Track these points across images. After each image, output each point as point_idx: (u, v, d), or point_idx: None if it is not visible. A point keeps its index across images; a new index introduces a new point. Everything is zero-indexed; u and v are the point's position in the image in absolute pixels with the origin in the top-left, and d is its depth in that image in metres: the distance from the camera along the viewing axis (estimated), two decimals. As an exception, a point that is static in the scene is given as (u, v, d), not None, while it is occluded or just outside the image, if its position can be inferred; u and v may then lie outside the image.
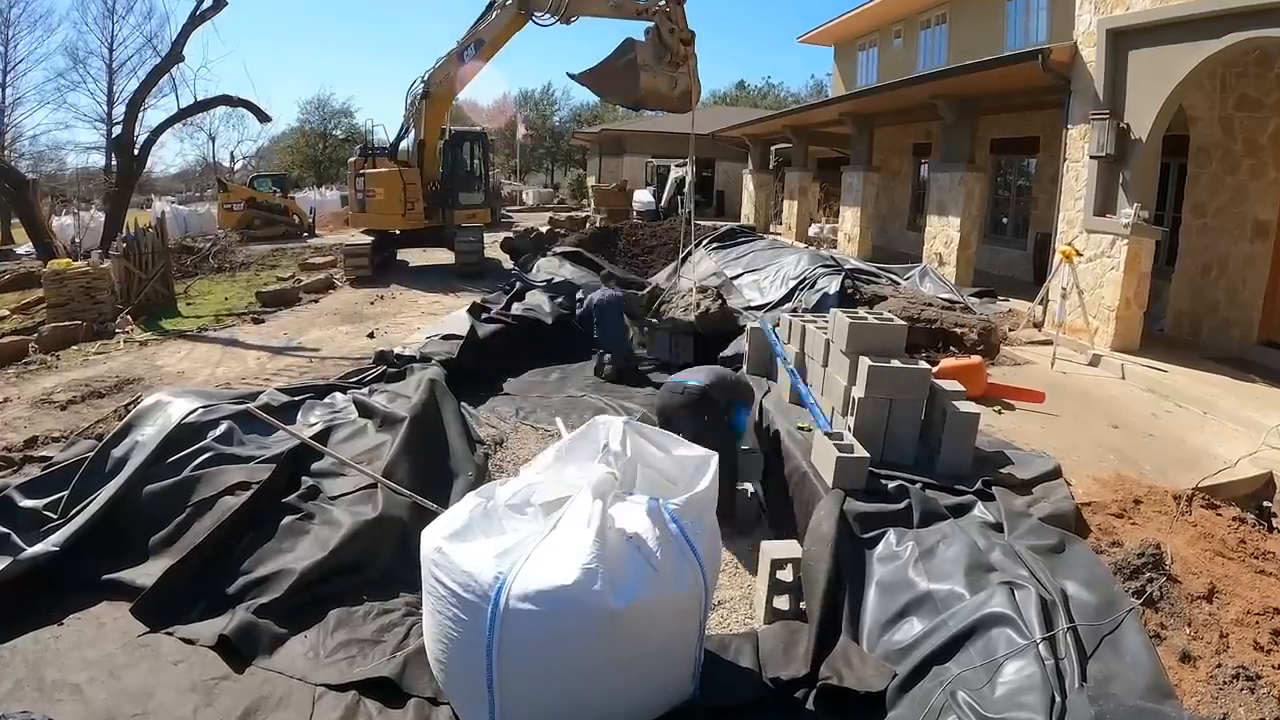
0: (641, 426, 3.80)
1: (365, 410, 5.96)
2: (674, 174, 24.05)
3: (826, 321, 5.94)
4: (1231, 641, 3.55)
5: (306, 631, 3.95)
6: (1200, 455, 5.37)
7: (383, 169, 14.95)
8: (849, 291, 9.86)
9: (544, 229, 20.34)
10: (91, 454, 5.09)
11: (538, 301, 10.54)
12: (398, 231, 15.65)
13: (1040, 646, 3.27)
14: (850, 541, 4.13)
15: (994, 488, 4.53)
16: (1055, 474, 4.75)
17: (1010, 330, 9.12)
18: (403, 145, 15.39)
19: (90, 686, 3.55)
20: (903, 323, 5.35)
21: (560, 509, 3.37)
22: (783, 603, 4.25)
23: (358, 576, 4.34)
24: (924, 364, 5.01)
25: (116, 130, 21.87)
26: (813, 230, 19.18)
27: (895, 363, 4.83)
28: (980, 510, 4.36)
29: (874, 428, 4.79)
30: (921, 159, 17.22)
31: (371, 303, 12.69)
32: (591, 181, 33.60)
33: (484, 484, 4.34)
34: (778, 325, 6.94)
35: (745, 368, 6.95)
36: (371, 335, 10.14)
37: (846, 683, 3.48)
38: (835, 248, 16.12)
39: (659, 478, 3.67)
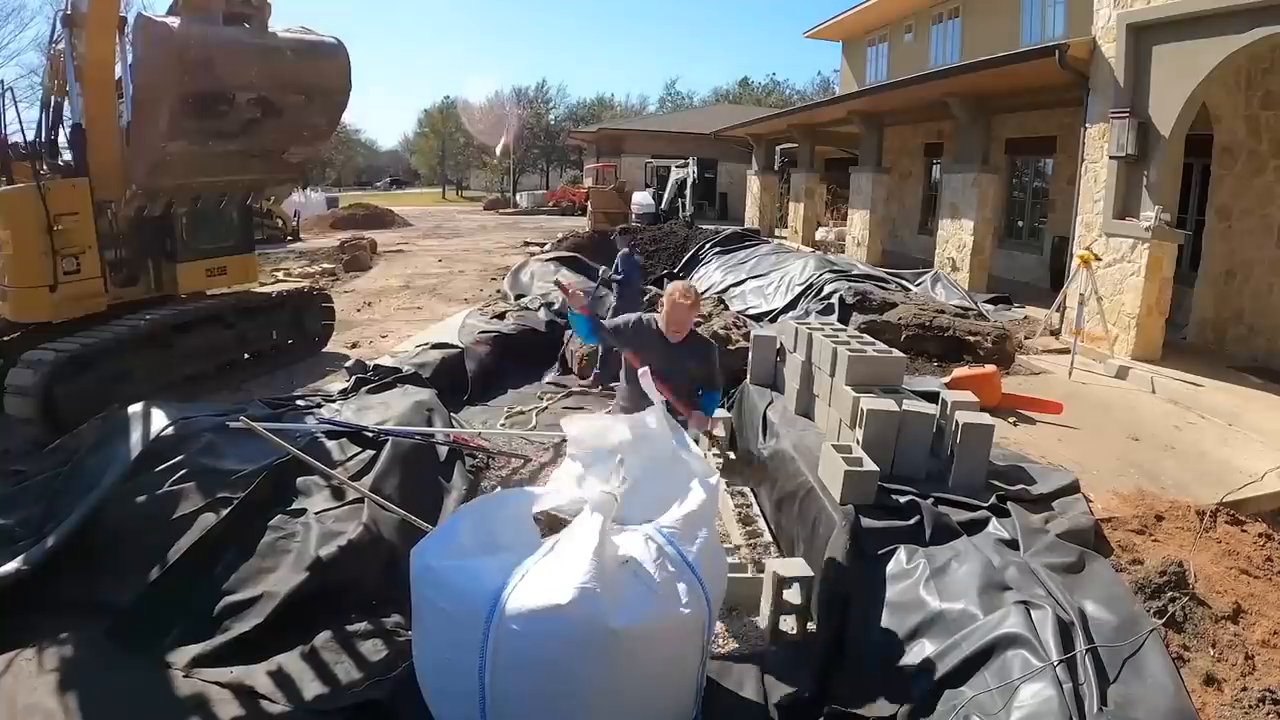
0: (639, 446, 3.83)
1: (350, 424, 5.97)
2: (674, 175, 24.10)
3: (835, 328, 5.97)
4: (1258, 663, 3.56)
5: (291, 654, 3.95)
6: (1224, 468, 5.39)
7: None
8: (857, 298, 9.90)
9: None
10: (65, 468, 5.10)
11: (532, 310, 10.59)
12: None
13: (1058, 669, 3.28)
14: (859, 559, 4.15)
15: (1009, 503, 4.54)
16: (1073, 488, 4.76)
17: (1026, 338, 9.16)
18: None
19: (63, 713, 3.55)
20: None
21: (557, 525, 3.41)
22: (789, 623, 4.27)
23: (344, 596, 4.34)
24: (930, 378, 5.04)
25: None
26: (819, 234, 19.25)
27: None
28: (995, 526, 4.37)
29: (883, 440, 4.80)
30: (933, 159, 17.30)
31: (358, 310, 12.74)
32: (588, 183, 33.71)
33: (476, 499, 4.36)
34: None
35: (749, 378, 6.97)
36: (355, 345, 10.17)
37: (855, 708, 3.49)
38: (843, 252, 16.18)
39: (656, 496, 3.69)
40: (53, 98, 8.31)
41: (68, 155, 8.12)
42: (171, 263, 8.68)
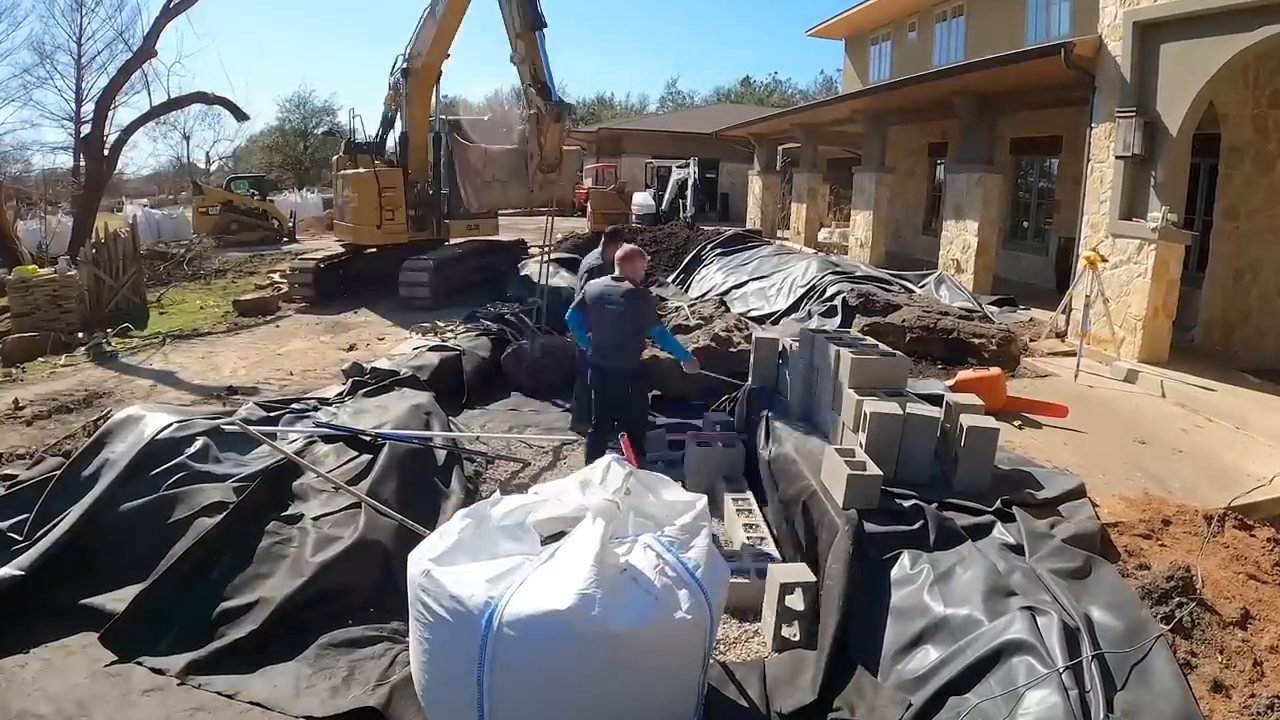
0: (639, 472, 3.87)
1: (347, 427, 5.97)
2: (675, 175, 24.10)
3: (838, 331, 5.97)
4: (1266, 670, 3.56)
5: (286, 661, 3.96)
6: (1233, 472, 5.38)
7: (361, 170, 13.98)
8: (860, 300, 9.90)
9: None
10: (59, 472, 5.10)
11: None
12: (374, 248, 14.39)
13: (1063, 676, 3.28)
14: (862, 565, 4.14)
15: (1014, 507, 4.54)
16: (1079, 493, 4.76)
17: (1031, 340, 9.16)
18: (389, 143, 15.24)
19: (58, 719, 3.55)
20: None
21: (556, 531, 3.41)
22: (791, 630, 4.27)
23: (340, 601, 4.35)
24: (934, 380, 5.04)
25: (85, 129, 21.98)
26: (822, 235, 19.26)
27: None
28: (999, 531, 4.37)
29: (887, 444, 4.80)
30: (937, 159, 17.32)
31: (355, 311, 12.73)
32: (588, 183, 33.75)
33: (474, 503, 4.36)
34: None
35: (750, 380, 6.98)
36: (352, 348, 10.17)
37: (858, 716, 3.49)
38: (846, 253, 16.19)
39: (652, 513, 3.71)
40: (389, 113, 14.84)
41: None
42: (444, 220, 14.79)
